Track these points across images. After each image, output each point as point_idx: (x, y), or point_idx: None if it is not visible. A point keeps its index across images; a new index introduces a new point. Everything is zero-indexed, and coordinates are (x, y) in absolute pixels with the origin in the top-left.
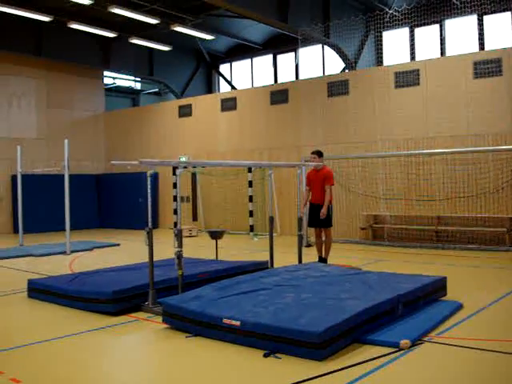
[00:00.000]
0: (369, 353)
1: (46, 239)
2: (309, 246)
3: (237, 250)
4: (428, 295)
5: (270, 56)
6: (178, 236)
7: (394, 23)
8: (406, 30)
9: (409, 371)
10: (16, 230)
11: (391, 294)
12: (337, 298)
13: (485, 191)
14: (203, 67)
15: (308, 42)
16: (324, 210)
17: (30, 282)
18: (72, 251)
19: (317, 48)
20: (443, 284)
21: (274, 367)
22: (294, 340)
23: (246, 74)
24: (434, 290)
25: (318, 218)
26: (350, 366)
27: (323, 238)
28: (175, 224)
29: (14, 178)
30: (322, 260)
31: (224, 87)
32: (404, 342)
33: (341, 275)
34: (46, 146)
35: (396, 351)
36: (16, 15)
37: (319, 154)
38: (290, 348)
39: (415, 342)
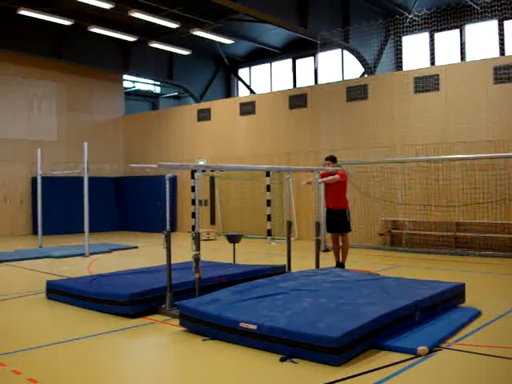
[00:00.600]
0: (386, 359)
1: (65, 241)
2: (326, 250)
3: (254, 253)
4: (446, 302)
5: (289, 60)
6: (196, 239)
7: (414, 28)
8: (425, 35)
9: (426, 378)
10: (35, 232)
11: (409, 299)
12: (354, 303)
13: (504, 197)
14: (222, 71)
15: (327, 46)
16: (317, 178)
17: (49, 284)
18: (91, 253)
19: (336, 52)
20: (461, 290)
21: (290, 372)
22: (310, 345)
23: (265, 79)
24: (452, 297)
25: (336, 223)
26: (366, 372)
27: (340, 243)
28: (193, 227)
29: (34, 180)
30: (340, 265)
31: (243, 91)
32: (421, 349)
33: (358, 280)
34: (65, 148)
35: (413, 358)
36: (37, 19)
37: (333, 159)
38: (306, 353)
39: (433, 349)
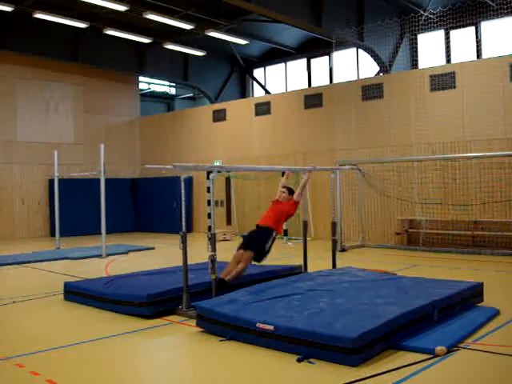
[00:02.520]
0: (403, 359)
1: (82, 242)
2: (343, 250)
3: (270, 254)
4: (464, 301)
5: (304, 60)
6: (212, 240)
7: (429, 26)
8: (441, 33)
9: (444, 378)
10: (53, 234)
11: (427, 299)
12: (371, 303)
13: None
14: (237, 72)
15: (342, 45)
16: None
17: (67, 285)
18: (108, 254)
19: (351, 51)
20: (480, 290)
21: (307, 372)
22: (327, 345)
23: (280, 79)
24: (471, 296)
25: (254, 240)
26: (384, 372)
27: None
28: (209, 228)
29: (51, 182)
30: (222, 281)
31: (258, 92)
32: (439, 349)
33: (375, 280)
34: (82, 150)
35: (431, 358)
36: (53, 22)
37: (290, 190)
38: (323, 353)
39: (451, 349)
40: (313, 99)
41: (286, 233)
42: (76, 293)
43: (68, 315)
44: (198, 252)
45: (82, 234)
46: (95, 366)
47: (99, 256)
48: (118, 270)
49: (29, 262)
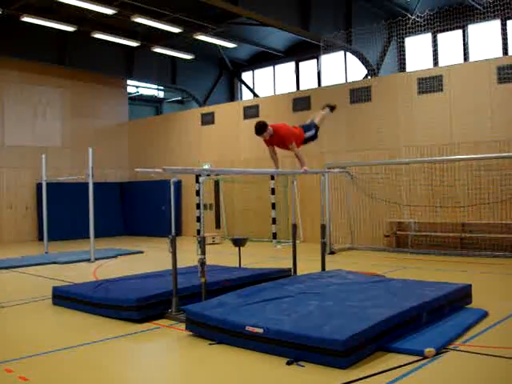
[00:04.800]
0: (393, 361)
1: (71, 247)
2: (332, 253)
3: (260, 257)
4: (453, 303)
5: (293, 63)
6: (201, 243)
7: (417, 29)
8: (428, 36)
9: (434, 380)
10: (41, 238)
11: (416, 301)
12: (360, 305)
13: (510, 197)
14: (226, 75)
15: (330, 48)
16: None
17: (55, 290)
18: (96, 259)
19: (339, 55)
20: (468, 292)
21: (297, 375)
22: (317, 348)
23: (269, 82)
24: (459, 298)
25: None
26: (373, 375)
27: None
28: (198, 231)
29: (39, 186)
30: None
31: (246, 95)
32: (429, 351)
33: (364, 283)
34: (70, 154)
35: (421, 359)
36: (41, 25)
37: (260, 129)
38: (313, 356)
39: (440, 351)
40: (301, 102)
41: (275, 236)
42: (65, 297)
43: (56, 320)
44: (187, 255)
45: (71, 238)
46: (84, 371)
47: (88, 260)
48: (106, 275)
49: (17, 266)
